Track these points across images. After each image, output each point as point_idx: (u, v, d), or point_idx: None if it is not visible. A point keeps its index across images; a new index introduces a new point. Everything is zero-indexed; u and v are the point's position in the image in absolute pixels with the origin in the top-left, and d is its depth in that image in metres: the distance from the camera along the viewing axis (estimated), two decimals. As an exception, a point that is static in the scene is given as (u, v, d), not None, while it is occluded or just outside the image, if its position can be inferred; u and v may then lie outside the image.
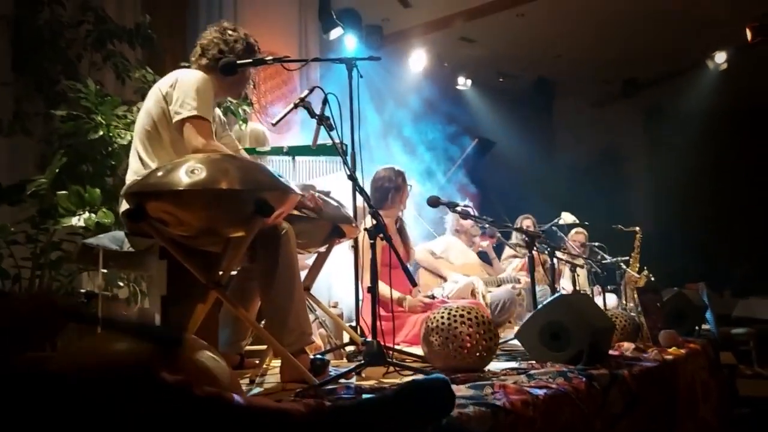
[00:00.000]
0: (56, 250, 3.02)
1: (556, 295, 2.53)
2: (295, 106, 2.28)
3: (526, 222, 5.32)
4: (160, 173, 1.84)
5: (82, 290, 2.95)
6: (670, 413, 2.49)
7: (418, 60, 7.27)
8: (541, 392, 1.79)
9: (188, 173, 1.78)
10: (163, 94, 2.26)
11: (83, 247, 2.31)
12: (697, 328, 3.62)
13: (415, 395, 1.27)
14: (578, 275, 4.35)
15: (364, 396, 1.64)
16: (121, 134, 3.05)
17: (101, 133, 3.00)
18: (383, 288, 2.66)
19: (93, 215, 2.68)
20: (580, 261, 4.56)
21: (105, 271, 2.99)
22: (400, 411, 1.25)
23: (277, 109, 5.62)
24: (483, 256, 5.05)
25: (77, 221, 2.70)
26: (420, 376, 2.12)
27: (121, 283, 3.15)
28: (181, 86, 2.23)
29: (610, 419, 2.03)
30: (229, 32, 2.44)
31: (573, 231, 5.70)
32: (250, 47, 2.46)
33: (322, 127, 2.33)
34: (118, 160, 3.13)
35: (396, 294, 3.29)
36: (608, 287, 5.13)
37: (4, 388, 0.98)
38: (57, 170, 2.85)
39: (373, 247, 2.17)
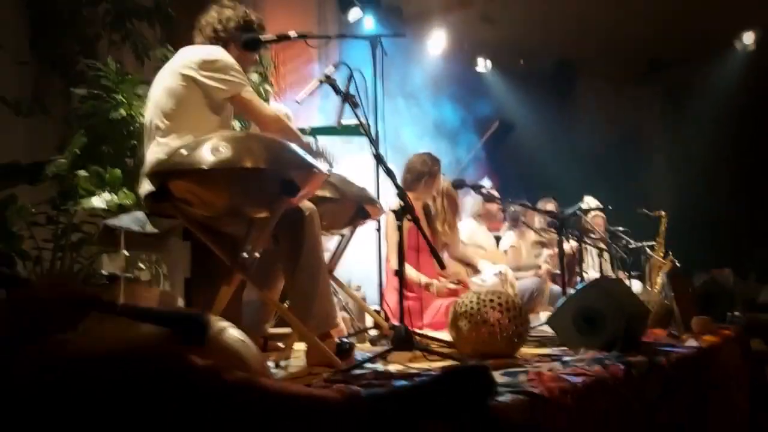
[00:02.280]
0: (77, 232, 2.99)
1: (591, 279, 2.45)
2: (321, 82, 2.21)
3: (549, 206, 5.20)
4: (183, 152, 1.78)
5: (104, 272, 2.92)
6: (705, 401, 2.42)
7: (437, 41, 7.15)
8: (578, 380, 1.72)
9: (212, 151, 1.73)
10: (189, 73, 2.19)
11: (105, 228, 2.27)
12: (728, 313, 3.53)
13: (454, 383, 1.22)
14: (605, 260, 4.26)
15: (399, 383, 1.58)
16: (142, 113, 2.99)
17: (122, 112, 2.95)
18: (410, 272, 2.59)
19: (114, 196, 2.64)
20: (604, 246, 4.46)
21: (127, 253, 2.96)
22: (438, 399, 1.20)
23: (296, 92, 5.56)
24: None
25: (98, 202, 2.66)
26: (449, 362, 2.06)
27: (142, 266, 3.12)
28: (218, 64, 2.18)
29: (648, 407, 1.96)
30: (227, 11, 2.39)
31: (591, 215, 5.57)
32: (247, 25, 2.41)
33: (346, 105, 2.26)
34: (139, 140, 3.08)
35: (423, 279, 3.22)
36: (632, 273, 5.03)
37: (20, 375, 0.93)
38: (77, 150, 2.81)
39: (400, 228, 2.10)
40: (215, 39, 2.38)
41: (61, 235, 2.93)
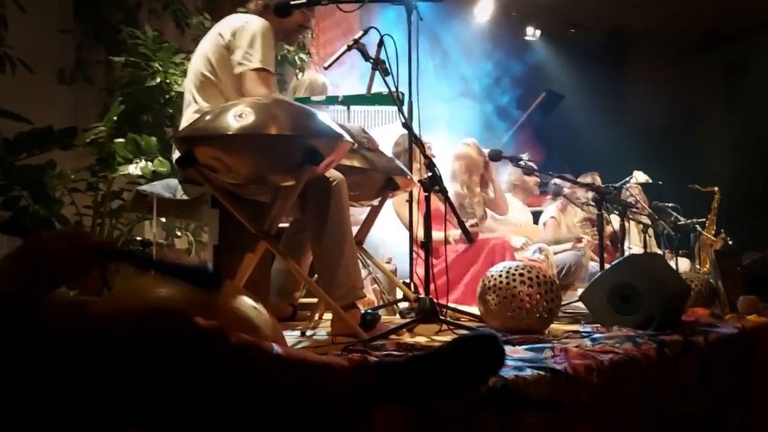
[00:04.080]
0: (116, 199, 3.05)
1: (627, 254, 2.36)
2: (349, 47, 2.16)
3: (593, 179, 5.03)
4: (208, 117, 1.78)
5: (138, 238, 2.98)
6: (746, 384, 2.32)
7: (484, 8, 6.96)
8: (606, 357, 1.66)
9: (236, 117, 1.71)
10: (224, 41, 2.20)
11: (137, 194, 2.31)
12: (779, 294, 3.36)
13: (462, 351, 1.19)
14: (650, 236, 4.11)
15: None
16: (178, 81, 3.01)
17: (159, 80, 2.97)
18: (435, 234, 2.49)
19: (149, 164, 2.68)
20: (648, 220, 4.30)
21: (163, 219, 3.01)
22: (447, 368, 1.18)
23: (336, 62, 5.51)
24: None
25: (134, 169, 2.71)
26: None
27: (179, 233, 3.17)
28: (245, 35, 2.17)
29: (682, 389, 1.89)
30: None
31: (627, 186, 5.34)
32: None
33: (377, 73, 2.20)
34: (176, 108, 3.11)
35: (442, 234, 3.14)
36: (680, 251, 4.85)
37: (38, 327, 0.96)
38: (115, 118, 2.85)
39: (427, 200, 2.06)
40: (255, 9, 2.36)
41: (101, 201, 3.00)
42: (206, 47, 2.27)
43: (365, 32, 2.16)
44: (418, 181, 2.03)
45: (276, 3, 2.26)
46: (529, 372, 1.45)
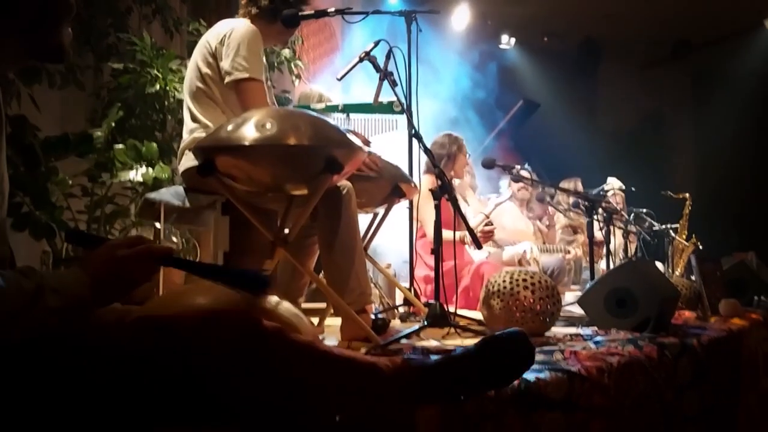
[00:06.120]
0: (110, 204, 3.04)
1: (624, 261, 2.46)
2: (360, 59, 2.21)
3: (575, 185, 5.17)
4: (230, 127, 1.80)
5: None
6: (734, 384, 2.44)
7: (460, 17, 7.07)
8: (613, 359, 1.75)
9: (259, 128, 1.74)
10: (211, 49, 2.22)
11: (145, 201, 2.31)
12: (756, 298, 3.53)
13: (496, 349, 1.25)
14: (630, 241, 4.25)
15: (435, 357, 1.61)
16: (177, 88, 3.02)
17: (158, 87, 2.97)
18: (446, 234, 2.56)
19: (150, 170, 2.68)
20: (632, 228, 4.45)
21: (159, 226, 3.01)
22: (483, 365, 1.23)
23: (319, 68, 5.55)
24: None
25: (134, 175, 2.70)
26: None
27: (174, 238, 3.17)
28: (232, 43, 2.18)
29: (679, 389, 1.99)
30: None
31: (610, 194, 5.53)
32: None
33: (384, 83, 2.26)
34: (174, 114, 3.11)
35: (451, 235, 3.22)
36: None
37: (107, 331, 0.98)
38: (113, 124, 2.84)
39: (437, 208, 2.12)
40: (247, 13, 2.35)
41: (95, 206, 2.98)
42: (196, 57, 2.28)
43: (375, 44, 2.22)
44: (430, 189, 2.09)
45: (285, 15, 2.29)
46: (547, 374, 1.52)
